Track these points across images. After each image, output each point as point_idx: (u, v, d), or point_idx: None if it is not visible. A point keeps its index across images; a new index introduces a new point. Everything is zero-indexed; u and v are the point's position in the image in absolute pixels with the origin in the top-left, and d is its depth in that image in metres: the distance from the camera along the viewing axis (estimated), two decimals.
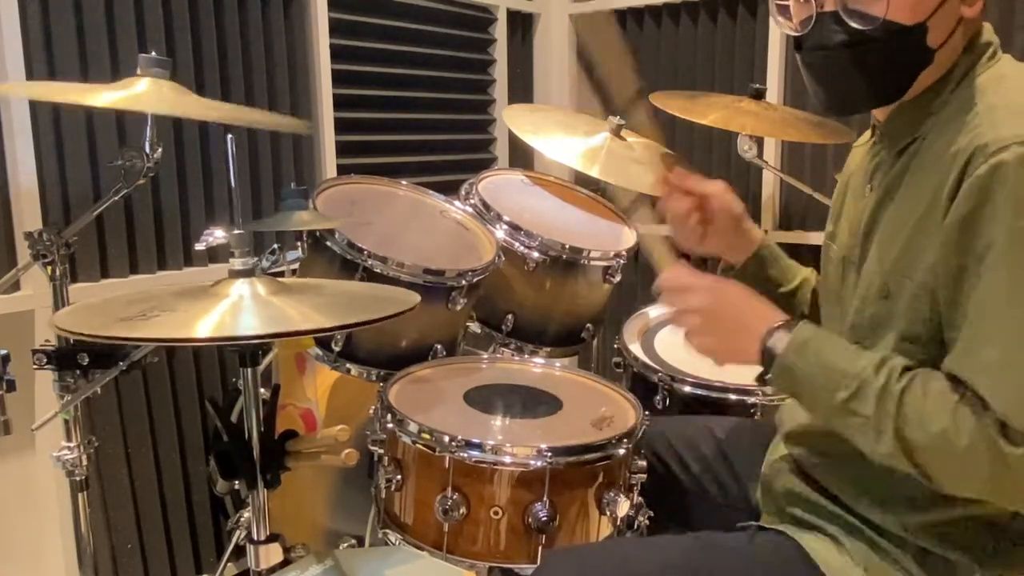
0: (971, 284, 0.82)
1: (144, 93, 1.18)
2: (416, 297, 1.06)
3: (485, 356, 1.59)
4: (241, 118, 1.34)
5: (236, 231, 1.01)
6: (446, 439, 1.16)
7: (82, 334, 0.86)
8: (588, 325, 1.77)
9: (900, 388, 0.84)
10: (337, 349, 1.45)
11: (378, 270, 1.39)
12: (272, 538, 1.08)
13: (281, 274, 1.57)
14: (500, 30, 2.58)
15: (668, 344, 1.70)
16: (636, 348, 1.67)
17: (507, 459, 1.14)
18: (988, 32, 0.95)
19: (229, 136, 1.03)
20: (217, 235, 1.11)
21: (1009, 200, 0.79)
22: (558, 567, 1.04)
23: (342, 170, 2.10)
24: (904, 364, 0.87)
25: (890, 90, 0.94)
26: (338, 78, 2.08)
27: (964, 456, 0.80)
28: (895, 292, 0.91)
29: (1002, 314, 0.80)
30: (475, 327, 1.68)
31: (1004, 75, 0.91)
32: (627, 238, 1.81)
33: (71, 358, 1.24)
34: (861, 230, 1.00)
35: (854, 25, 0.89)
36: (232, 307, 0.94)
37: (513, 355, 1.68)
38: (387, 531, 1.24)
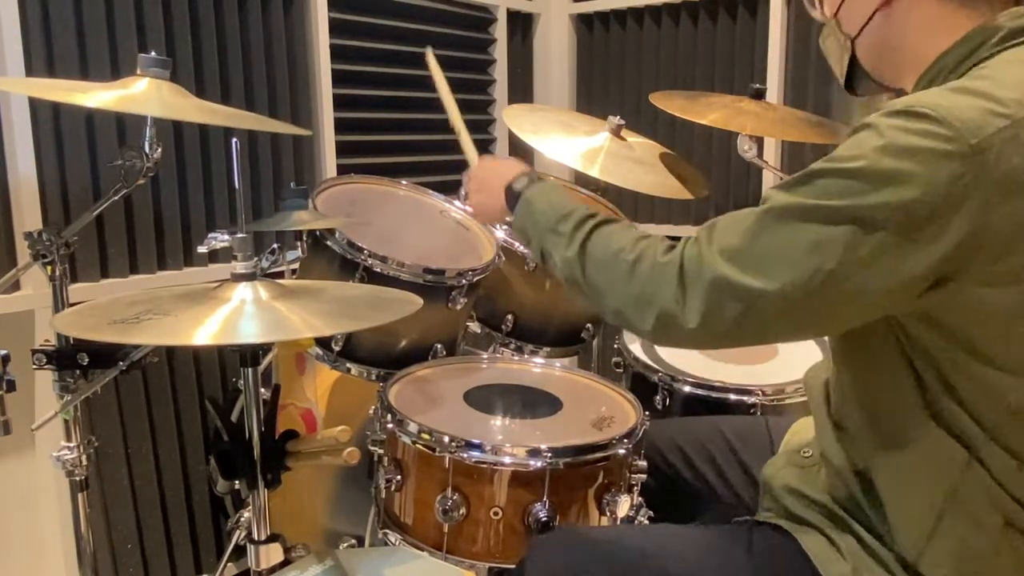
0: None
1: (143, 94, 1.18)
2: (419, 300, 1.06)
3: (485, 356, 1.59)
4: (240, 123, 1.33)
5: (240, 235, 1.01)
6: (446, 439, 1.16)
7: (83, 337, 0.86)
8: (588, 325, 1.77)
9: (600, 220, 0.99)
10: (337, 349, 1.45)
11: (378, 270, 1.39)
12: (272, 538, 1.08)
13: (281, 274, 1.57)
14: (500, 30, 2.58)
15: None
16: (636, 348, 1.67)
17: (507, 459, 1.14)
18: (1005, 18, 0.86)
19: (234, 140, 1.02)
20: (221, 239, 1.11)
21: None
22: (545, 554, 1.03)
23: (342, 170, 2.10)
24: (627, 222, 1.01)
25: (842, 77, 1.03)
26: (338, 78, 2.08)
27: (627, 268, 0.90)
28: None
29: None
30: (475, 327, 1.68)
31: (989, 78, 0.84)
32: None
33: (71, 358, 1.24)
34: None
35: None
36: (234, 312, 0.94)
37: (513, 355, 1.68)
38: (387, 531, 1.24)
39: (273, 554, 1.07)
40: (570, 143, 1.83)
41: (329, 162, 2.08)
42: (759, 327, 0.84)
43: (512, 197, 1.13)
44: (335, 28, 2.07)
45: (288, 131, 1.61)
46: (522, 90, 2.73)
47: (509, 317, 1.66)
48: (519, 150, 2.58)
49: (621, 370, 1.67)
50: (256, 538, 1.07)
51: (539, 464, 1.14)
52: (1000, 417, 0.83)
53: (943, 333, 0.82)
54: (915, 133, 0.76)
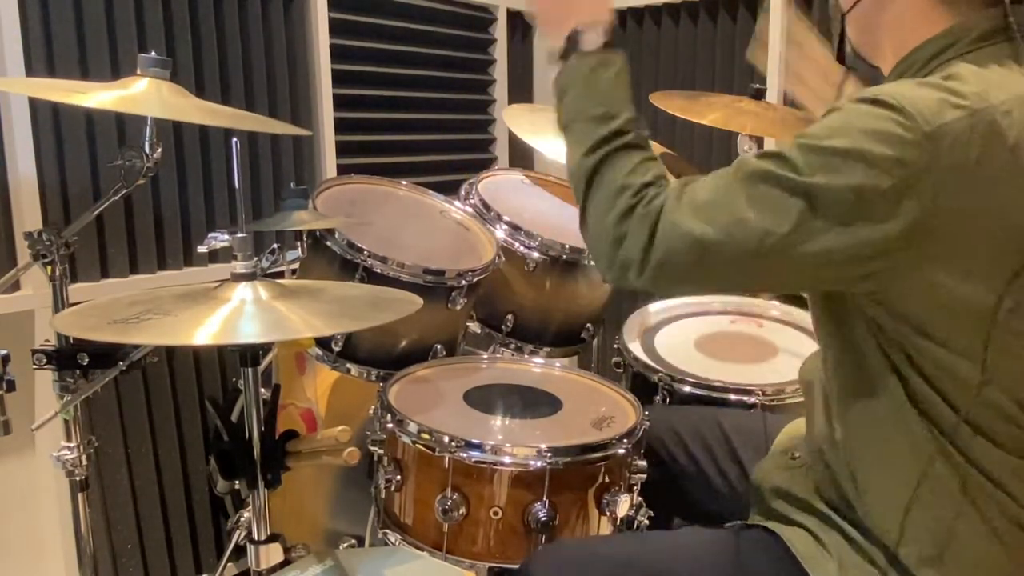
0: None
1: (143, 94, 1.18)
2: (418, 300, 1.06)
3: (485, 356, 1.59)
4: (240, 124, 1.33)
5: (240, 235, 1.01)
6: (446, 439, 1.16)
7: (88, 338, 0.86)
8: (588, 325, 1.77)
9: (628, 142, 0.97)
10: (337, 349, 1.45)
11: (378, 270, 1.39)
12: (272, 538, 1.08)
13: (281, 274, 1.57)
14: (500, 30, 2.58)
15: (668, 344, 1.70)
16: (636, 348, 1.67)
17: (507, 459, 1.14)
18: (980, 19, 0.87)
19: (234, 140, 1.02)
20: (221, 239, 1.10)
21: None
22: (543, 562, 1.04)
23: (342, 170, 2.10)
24: (651, 153, 0.98)
25: (835, 46, 1.04)
26: (338, 78, 2.08)
27: (621, 211, 0.92)
28: None
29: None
30: (475, 327, 1.68)
31: (954, 74, 0.84)
32: None
33: (71, 358, 1.24)
34: None
35: None
36: (234, 312, 0.94)
37: (513, 355, 1.68)
38: (387, 531, 1.24)
39: (273, 554, 1.07)
40: None
41: (329, 162, 2.08)
42: (707, 274, 0.90)
43: (572, 45, 1.04)
44: (335, 28, 2.07)
45: (288, 131, 1.61)
46: (522, 90, 2.73)
47: (509, 317, 1.66)
48: (519, 150, 2.58)
49: (621, 370, 1.67)
50: (256, 538, 1.07)
51: (539, 464, 1.14)
52: (966, 397, 0.85)
53: (897, 317, 0.86)
54: (875, 117, 0.80)
